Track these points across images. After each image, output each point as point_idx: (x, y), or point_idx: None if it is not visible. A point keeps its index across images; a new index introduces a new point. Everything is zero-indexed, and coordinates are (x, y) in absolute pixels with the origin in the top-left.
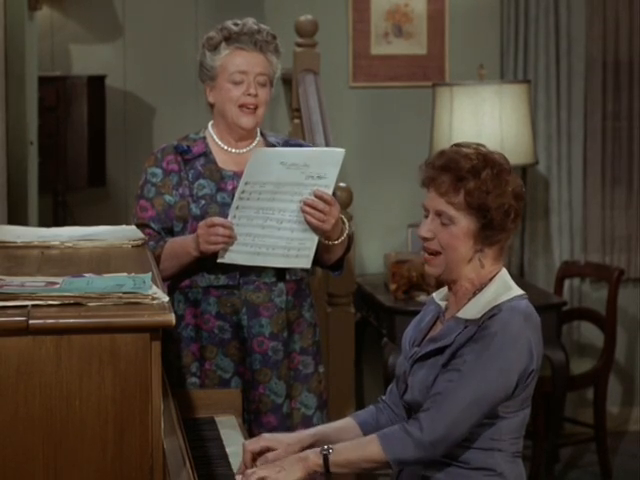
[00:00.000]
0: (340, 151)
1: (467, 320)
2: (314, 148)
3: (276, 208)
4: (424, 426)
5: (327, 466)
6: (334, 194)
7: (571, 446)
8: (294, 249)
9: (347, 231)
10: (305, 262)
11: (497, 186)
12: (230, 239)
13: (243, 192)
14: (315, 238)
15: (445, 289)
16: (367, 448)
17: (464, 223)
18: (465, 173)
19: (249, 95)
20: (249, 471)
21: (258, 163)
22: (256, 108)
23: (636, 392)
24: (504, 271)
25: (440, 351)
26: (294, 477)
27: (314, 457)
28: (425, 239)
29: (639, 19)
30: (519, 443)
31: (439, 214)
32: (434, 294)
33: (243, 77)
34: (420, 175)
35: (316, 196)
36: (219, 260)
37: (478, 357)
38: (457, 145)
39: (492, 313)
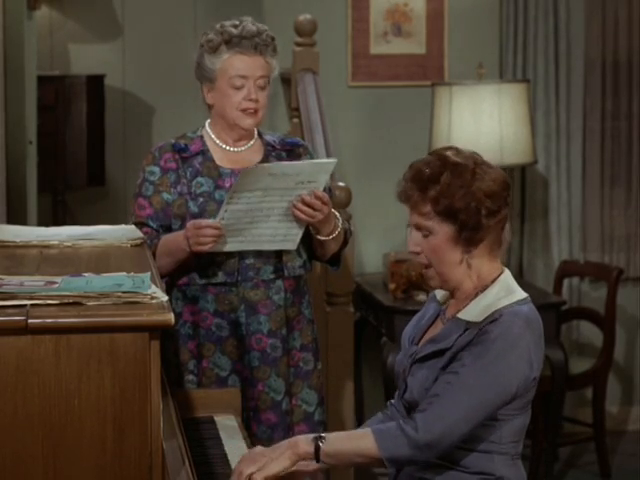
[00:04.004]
0: (332, 161)
1: (468, 322)
2: (305, 162)
3: (265, 207)
4: (419, 427)
5: (317, 455)
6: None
7: (570, 445)
8: (280, 235)
9: (339, 228)
10: (291, 245)
11: (459, 187)
12: (219, 239)
13: (232, 198)
14: (302, 226)
15: None
16: (361, 442)
17: (441, 231)
18: (426, 182)
19: (250, 100)
20: (237, 468)
21: (248, 177)
22: (257, 111)
23: (635, 391)
24: (507, 273)
25: (439, 353)
26: (282, 466)
27: (305, 445)
28: (414, 254)
29: (638, 19)
30: (519, 446)
31: (418, 227)
32: (436, 291)
33: (244, 82)
34: (396, 190)
35: (315, 195)
36: (206, 251)
37: (477, 361)
38: (432, 152)
39: (493, 318)
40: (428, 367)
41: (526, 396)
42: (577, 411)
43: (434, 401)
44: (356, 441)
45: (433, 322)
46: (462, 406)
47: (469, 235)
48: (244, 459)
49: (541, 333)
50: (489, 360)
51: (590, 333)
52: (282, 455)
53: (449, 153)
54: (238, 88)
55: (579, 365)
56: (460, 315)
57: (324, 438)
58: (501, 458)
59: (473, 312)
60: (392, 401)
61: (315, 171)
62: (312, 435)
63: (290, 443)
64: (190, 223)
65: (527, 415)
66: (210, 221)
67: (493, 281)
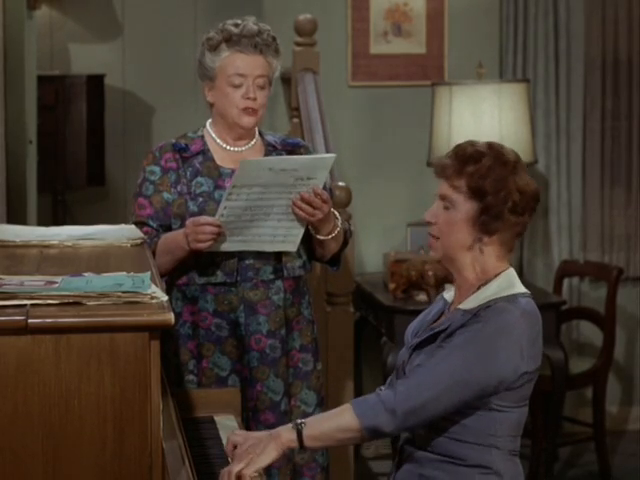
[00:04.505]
0: (330, 156)
1: (465, 310)
2: (304, 156)
3: (264, 205)
4: (398, 394)
5: (301, 441)
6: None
7: (570, 445)
8: (280, 236)
9: (339, 228)
10: (291, 246)
11: (497, 172)
12: (218, 236)
13: (230, 194)
14: (302, 225)
15: (453, 289)
16: (341, 417)
17: (463, 207)
18: (468, 157)
19: (248, 99)
20: (224, 470)
21: (246, 171)
22: (255, 111)
23: (635, 391)
24: (511, 270)
25: (435, 337)
26: (269, 459)
27: (287, 433)
28: (429, 223)
29: (638, 19)
30: (516, 441)
31: (443, 198)
32: (444, 292)
33: (242, 80)
34: (434, 163)
35: (315, 192)
36: (206, 249)
37: (465, 338)
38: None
39: (488, 304)
40: (425, 352)
41: (520, 390)
42: (577, 411)
43: (417, 371)
44: (336, 417)
45: (438, 318)
46: (443, 379)
47: (487, 220)
48: (234, 455)
49: (539, 330)
50: (478, 341)
51: (590, 333)
52: (267, 448)
53: (496, 144)
54: (237, 86)
55: (579, 365)
56: (461, 306)
57: (304, 423)
58: (499, 452)
59: (473, 302)
60: (382, 387)
61: (314, 166)
62: (292, 423)
63: (272, 435)
64: (189, 220)
65: (524, 411)
66: (209, 218)
67: (496, 276)
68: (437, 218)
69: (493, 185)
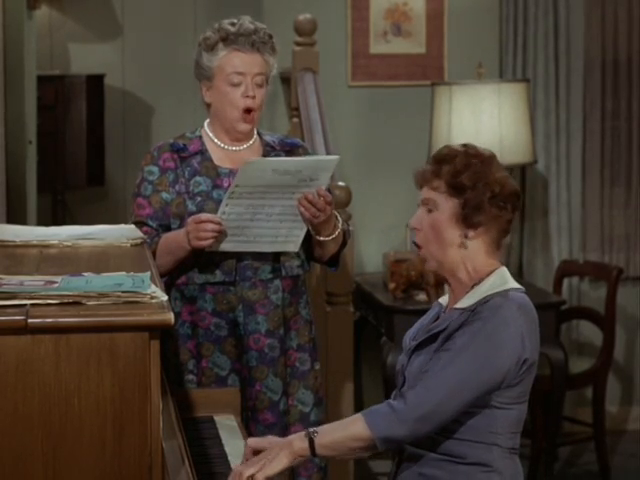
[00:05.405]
0: (334, 158)
1: (462, 308)
2: (308, 157)
3: (266, 205)
4: (409, 402)
5: (313, 449)
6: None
7: (570, 445)
8: (282, 236)
9: (339, 229)
10: (292, 247)
11: (472, 167)
12: (219, 234)
13: (233, 193)
14: (304, 226)
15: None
16: (353, 427)
17: (446, 206)
18: (443, 158)
19: (247, 97)
20: (235, 469)
21: (250, 170)
22: (254, 112)
23: (635, 391)
24: (504, 268)
25: (434, 337)
26: (281, 466)
27: (299, 442)
28: (415, 229)
29: (638, 18)
30: (516, 439)
31: (426, 202)
32: (440, 298)
33: (241, 79)
34: (414, 174)
35: (318, 194)
36: (207, 249)
37: (469, 339)
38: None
39: (485, 300)
40: (424, 353)
41: (521, 383)
42: (577, 411)
43: (425, 377)
44: (348, 427)
45: (435, 321)
46: (452, 382)
47: (469, 213)
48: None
49: (536, 321)
50: (481, 337)
51: (590, 333)
52: (279, 455)
53: (471, 144)
54: (235, 85)
55: (579, 365)
56: (456, 306)
57: (316, 432)
58: (499, 450)
59: (469, 301)
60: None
61: (317, 167)
62: (304, 431)
63: (284, 443)
64: (191, 218)
65: (524, 408)
66: (211, 216)
67: (489, 274)
68: (421, 224)
69: (470, 178)
